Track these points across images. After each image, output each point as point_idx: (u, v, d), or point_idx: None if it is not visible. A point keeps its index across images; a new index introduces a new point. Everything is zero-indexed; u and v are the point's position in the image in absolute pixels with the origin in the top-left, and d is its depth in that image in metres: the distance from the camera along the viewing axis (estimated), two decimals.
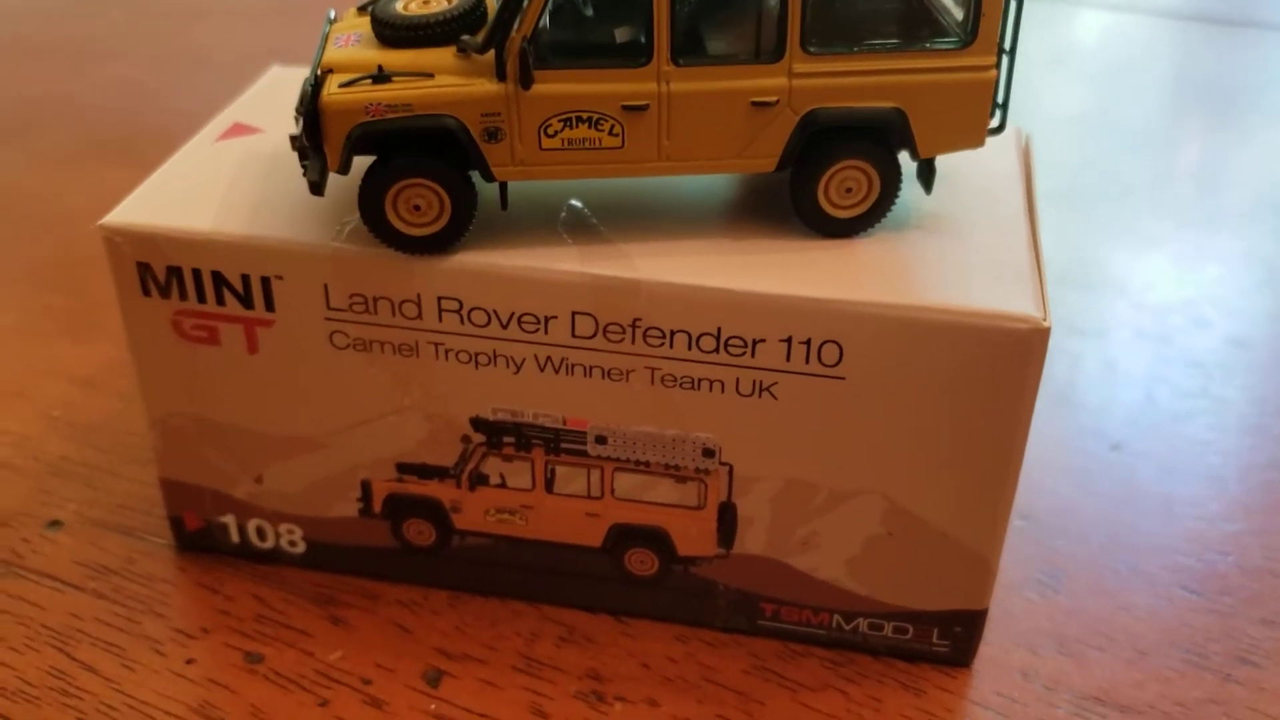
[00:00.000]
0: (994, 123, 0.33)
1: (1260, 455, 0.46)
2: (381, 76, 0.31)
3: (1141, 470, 0.45)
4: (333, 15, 0.35)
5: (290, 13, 0.86)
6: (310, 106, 0.31)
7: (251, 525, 0.39)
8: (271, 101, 0.40)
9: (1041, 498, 0.43)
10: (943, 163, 0.34)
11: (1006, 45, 0.32)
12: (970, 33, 0.31)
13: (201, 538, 0.40)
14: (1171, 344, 0.52)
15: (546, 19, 0.31)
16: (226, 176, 0.36)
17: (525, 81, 0.30)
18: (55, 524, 0.42)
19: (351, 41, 0.32)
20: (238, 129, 0.39)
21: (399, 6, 0.32)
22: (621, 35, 0.31)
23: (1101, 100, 0.76)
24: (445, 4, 0.32)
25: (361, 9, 0.34)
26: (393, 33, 0.32)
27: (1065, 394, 0.49)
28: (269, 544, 0.39)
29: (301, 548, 0.39)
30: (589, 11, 0.31)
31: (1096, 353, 0.51)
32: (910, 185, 0.34)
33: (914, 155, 0.33)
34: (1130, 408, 0.48)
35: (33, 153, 0.67)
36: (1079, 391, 0.49)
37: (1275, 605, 0.39)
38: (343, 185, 0.33)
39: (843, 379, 0.32)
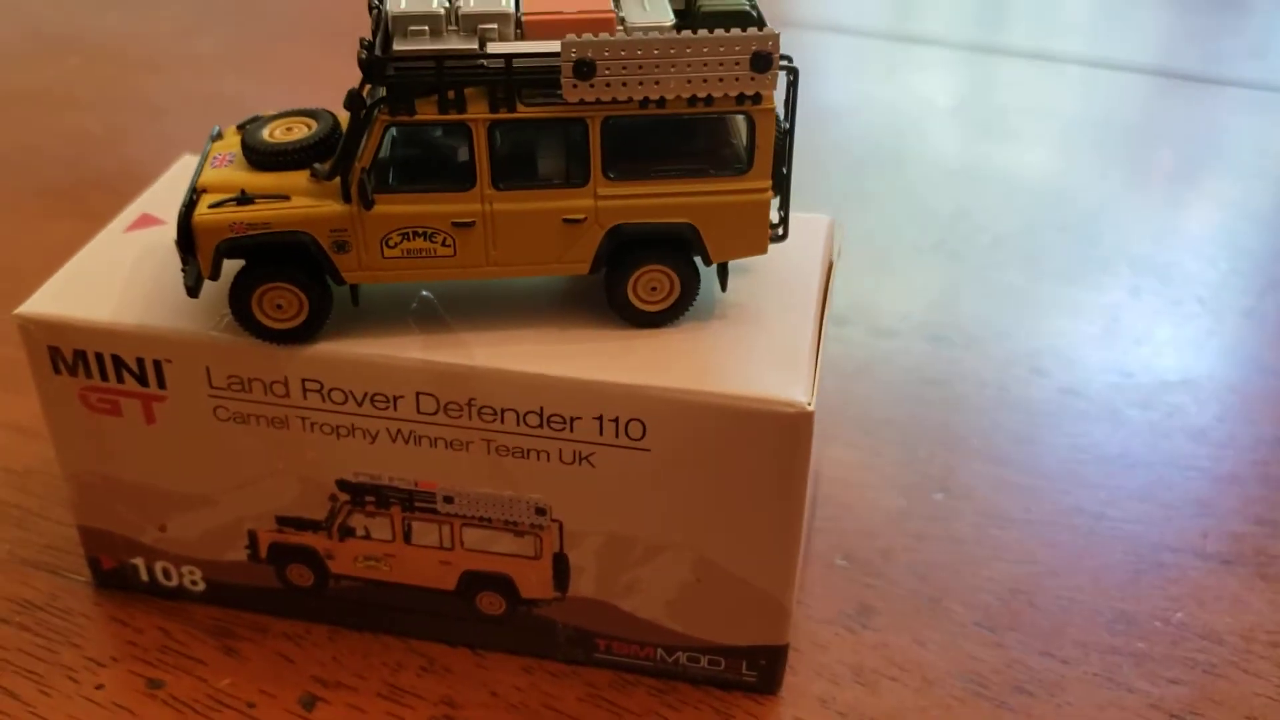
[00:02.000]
0: (778, 231, 0.39)
1: (1067, 500, 0.51)
2: (245, 199, 0.36)
3: (962, 513, 0.50)
4: (217, 131, 0.40)
5: (240, 65, 0.91)
6: (184, 223, 0.36)
7: (158, 566, 0.45)
8: (179, 193, 0.46)
9: (864, 539, 0.49)
10: None
11: (785, 168, 0.38)
12: (748, 162, 0.37)
13: (116, 576, 0.46)
14: (1009, 392, 0.58)
15: (385, 150, 0.36)
16: (128, 267, 0.42)
17: (366, 204, 0.36)
18: None
19: (225, 162, 0.38)
20: (145, 220, 0.45)
21: (265, 133, 0.38)
22: (449, 164, 0.36)
23: (990, 149, 0.82)
24: (305, 129, 0.38)
25: (240, 127, 0.40)
26: (257, 157, 0.37)
27: (905, 441, 0.54)
28: (174, 582, 0.45)
29: (202, 586, 0.45)
30: (421, 144, 0.37)
31: (940, 401, 0.57)
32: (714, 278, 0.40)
33: (707, 261, 0.38)
34: (962, 454, 0.53)
35: None
36: (916, 439, 0.54)
37: (1056, 640, 0.45)
38: (223, 280, 0.39)
39: (648, 450, 0.38)
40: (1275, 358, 0.60)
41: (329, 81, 0.84)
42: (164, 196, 0.46)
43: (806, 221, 0.44)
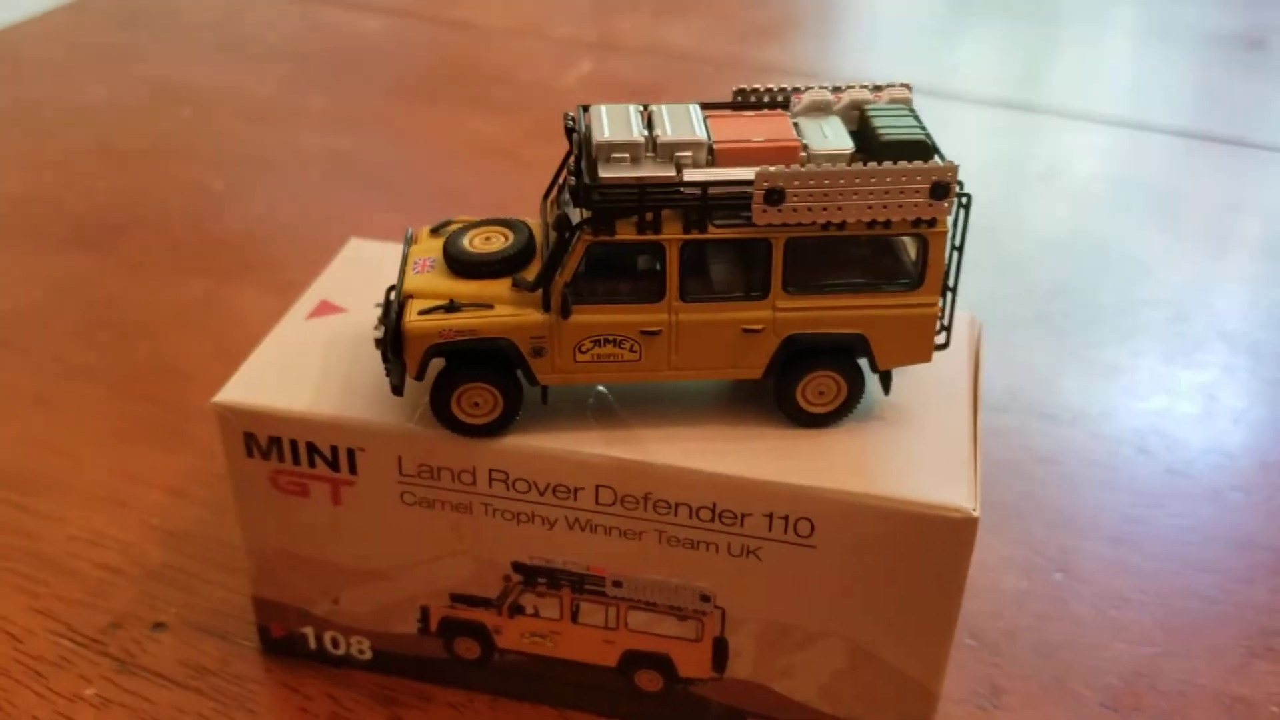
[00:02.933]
0: (940, 340, 0.41)
1: (1178, 582, 0.53)
2: (453, 306, 0.39)
3: (1081, 594, 0.53)
4: (411, 234, 0.43)
5: (342, 116, 0.94)
6: (395, 328, 0.39)
7: (328, 635, 0.47)
8: (352, 278, 0.48)
9: (990, 620, 0.51)
10: None
11: (950, 283, 0.40)
12: (919, 278, 0.39)
13: (285, 644, 0.48)
14: (1118, 472, 0.60)
15: (584, 266, 0.39)
16: (318, 356, 0.44)
17: (565, 314, 0.38)
18: (160, 625, 0.50)
19: (427, 267, 0.41)
20: (325, 307, 0.47)
21: (466, 242, 0.40)
22: (641, 278, 0.39)
23: (1084, 220, 0.84)
24: (503, 240, 0.40)
25: (434, 231, 0.43)
26: (459, 266, 0.40)
27: (1020, 522, 0.56)
28: (341, 651, 0.48)
29: (369, 655, 0.47)
30: (617, 260, 0.39)
31: (1051, 480, 0.59)
32: (875, 381, 0.42)
33: (874, 368, 0.41)
34: (1077, 534, 0.56)
35: (116, 257, 0.75)
36: (1031, 519, 0.56)
37: (1177, 718, 0.47)
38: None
39: (814, 547, 0.40)
40: None
41: (427, 135, 0.88)
42: (338, 282, 0.48)
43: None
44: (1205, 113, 1.00)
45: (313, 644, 0.48)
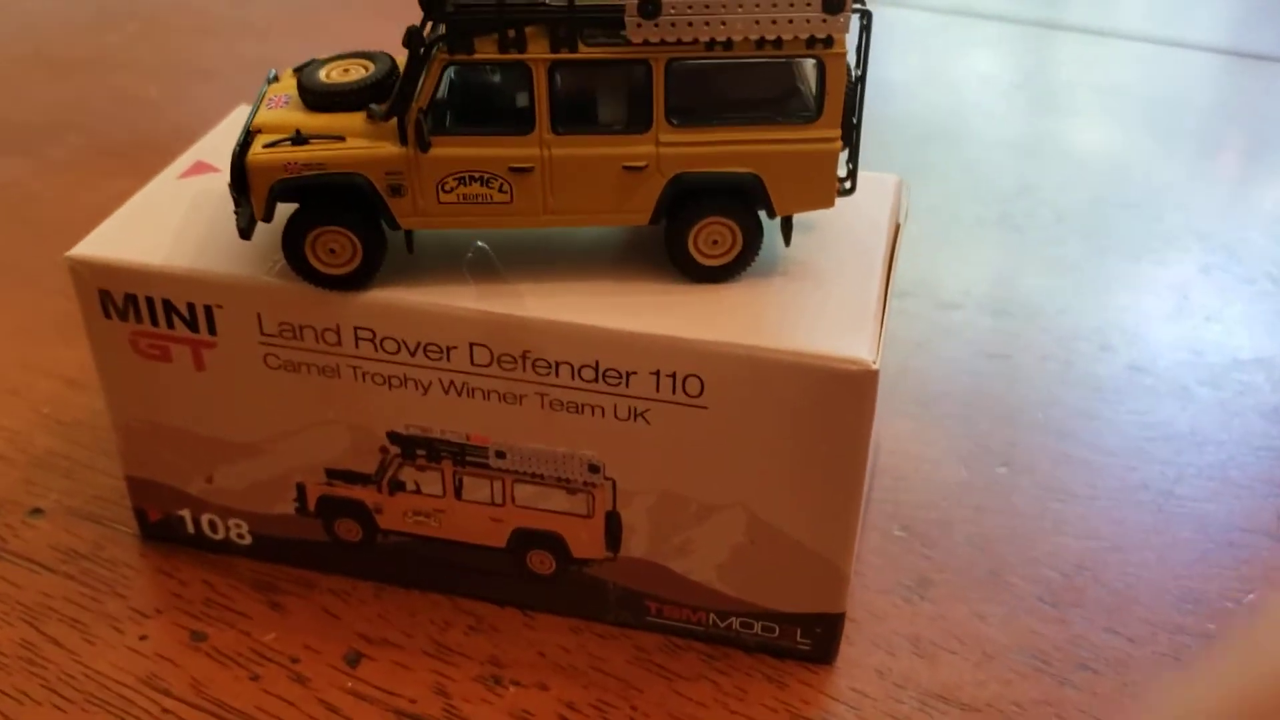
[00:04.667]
0: (845, 185, 0.38)
1: (1133, 477, 0.49)
2: (299, 139, 0.35)
3: (1024, 487, 0.49)
4: (273, 75, 0.40)
5: (291, 30, 0.91)
6: (238, 163, 0.35)
7: (205, 518, 0.44)
8: (233, 141, 0.45)
9: (923, 511, 0.48)
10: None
11: (854, 118, 0.36)
12: (817, 110, 0.36)
13: (162, 528, 0.45)
14: (1073, 368, 0.56)
15: (443, 91, 0.35)
16: (181, 213, 0.41)
17: (422, 146, 0.35)
18: (37, 511, 0.47)
19: (281, 104, 0.37)
20: (199, 167, 0.44)
21: (322, 74, 0.37)
22: (508, 107, 0.35)
23: (1053, 125, 0.80)
24: (363, 71, 0.37)
25: (296, 69, 0.39)
26: (313, 98, 0.36)
27: (965, 414, 0.53)
28: (220, 535, 0.45)
29: (248, 540, 0.44)
30: (479, 86, 0.36)
31: (1001, 375, 0.55)
32: (778, 234, 0.38)
33: (770, 214, 0.37)
34: (1024, 428, 0.52)
35: (45, 161, 0.72)
36: (977, 412, 0.53)
37: (1121, 616, 0.43)
38: (276, 225, 0.38)
39: (705, 408, 0.37)
40: None
41: (380, 45, 0.84)
42: (219, 144, 0.45)
43: (874, 180, 0.42)
44: (1197, 23, 0.95)
45: (190, 528, 0.45)
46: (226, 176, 0.42)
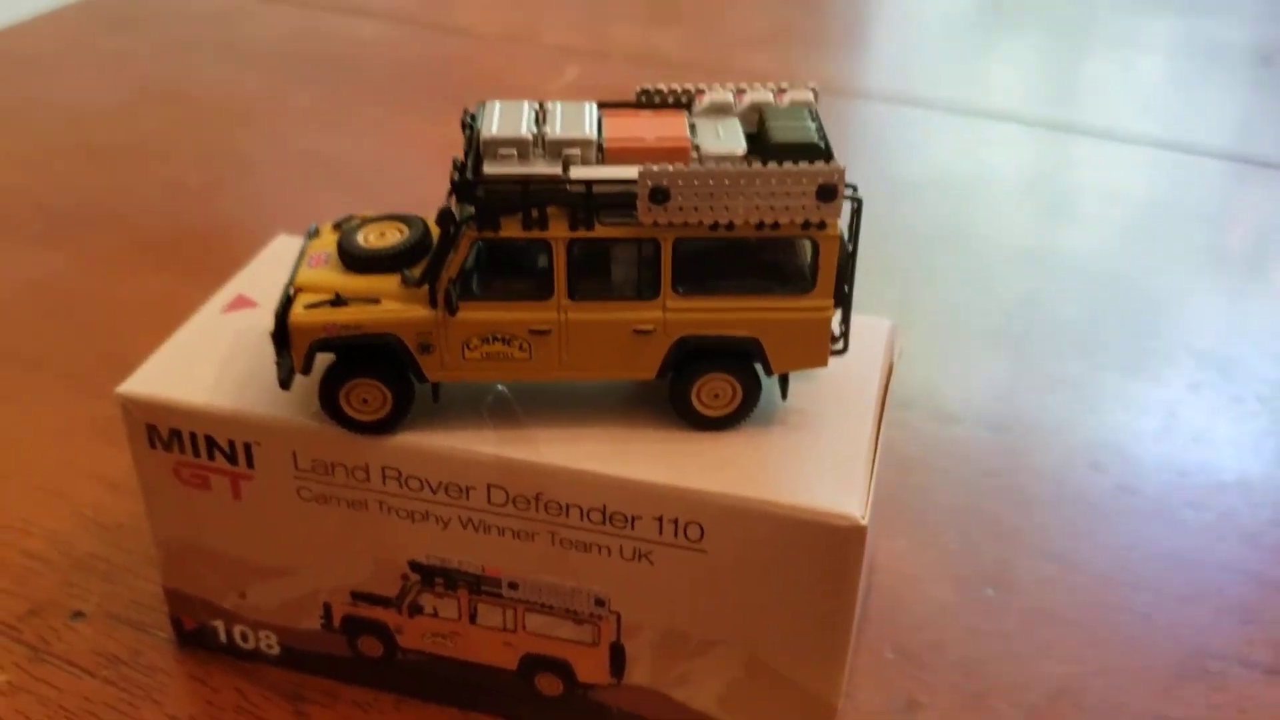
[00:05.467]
0: (837, 347, 0.41)
1: (1115, 598, 0.52)
2: (339, 301, 0.39)
3: (1012, 609, 0.52)
4: (314, 229, 0.43)
5: (328, 122, 0.95)
6: (280, 322, 0.39)
7: (237, 629, 0.47)
8: (273, 274, 0.48)
9: (915, 633, 0.50)
10: None
11: (846, 288, 0.40)
12: (812, 282, 0.39)
13: (196, 636, 0.48)
14: (1065, 487, 0.58)
15: (470, 260, 0.38)
16: (224, 350, 0.44)
17: (451, 310, 0.38)
18: (78, 615, 0.50)
19: (321, 262, 0.40)
20: (240, 301, 0.47)
21: (360, 237, 0.40)
22: (529, 276, 0.39)
23: (1057, 231, 0.82)
24: (398, 235, 0.40)
25: (336, 225, 0.42)
26: (351, 260, 0.40)
27: (959, 533, 0.55)
28: (250, 645, 0.47)
29: (277, 650, 0.47)
30: (503, 256, 0.39)
31: (997, 493, 0.58)
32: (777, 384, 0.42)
33: (768, 372, 0.40)
34: (1015, 548, 0.54)
35: (85, 254, 0.76)
36: (971, 531, 0.55)
37: None
38: (313, 370, 0.41)
39: (705, 552, 0.40)
40: None
41: (411, 139, 0.88)
42: (259, 277, 0.49)
43: (868, 326, 0.45)
44: (1204, 128, 0.98)
45: (223, 637, 0.48)
46: (266, 313, 0.45)
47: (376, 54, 1.08)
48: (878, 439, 0.41)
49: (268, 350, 0.44)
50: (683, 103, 0.42)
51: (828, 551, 0.38)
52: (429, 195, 0.82)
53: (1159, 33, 1.18)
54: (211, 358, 0.44)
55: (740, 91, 0.41)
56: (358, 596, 0.44)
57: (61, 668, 0.48)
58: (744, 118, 0.40)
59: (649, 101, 0.42)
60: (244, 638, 0.47)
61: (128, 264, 0.75)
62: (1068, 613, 0.51)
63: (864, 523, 0.38)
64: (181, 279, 0.72)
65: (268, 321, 0.44)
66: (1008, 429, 0.62)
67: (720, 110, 0.40)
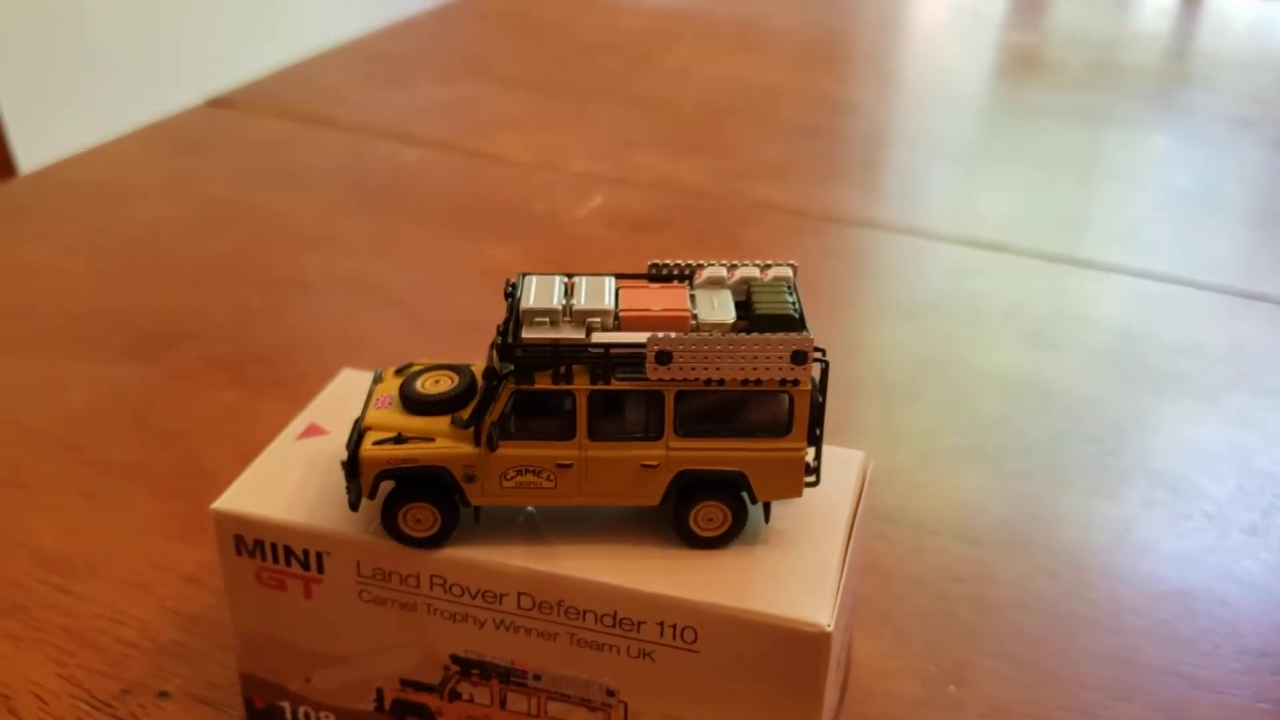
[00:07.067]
0: (811, 480, 0.49)
1: (1063, 697, 0.59)
2: (401, 439, 0.47)
3: (970, 705, 0.59)
4: (379, 374, 0.52)
5: (379, 246, 1.05)
6: (353, 455, 0.47)
7: (301, 710, 0.55)
8: (340, 405, 0.57)
9: None
10: None
11: (818, 430, 0.48)
12: (788, 426, 0.47)
13: (266, 715, 0.56)
14: (1024, 593, 0.66)
15: (508, 408, 0.47)
16: (299, 473, 0.53)
17: (492, 448, 0.47)
18: (164, 694, 0.58)
19: (385, 404, 0.49)
20: (312, 429, 0.56)
21: (418, 384, 0.49)
22: (556, 421, 0.47)
23: (1036, 357, 0.91)
24: (449, 383, 0.49)
25: (398, 371, 0.51)
26: (412, 405, 0.48)
27: (928, 636, 0.63)
28: None
29: None
30: (535, 405, 0.48)
31: (964, 599, 0.66)
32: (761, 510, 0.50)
33: (753, 500, 0.48)
34: (976, 650, 0.62)
35: (162, 368, 0.85)
36: (938, 634, 0.63)
37: None
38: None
39: (698, 652, 0.48)
40: (1267, 575, 0.68)
41: (452, 260, 0.98)
42: (327, 408, 0.57)
43: (843, 457, 0.54)
44: (1181, 259, 1.07)
45: (289, 716, 0.56)
46: (334, 440, 0.54)
47: (419, 178, 1.18)
48: (846, 556, 0.49)
49: (336, 473, 0.52)
50: (685, 275, 0.50)
51: (801, 653, 0.46)
52: (467, 311, 0.91)
53: (1150, 164, 1.27)
54: (289, 479, 0.53)
55: (733, 267, 0.50)
56: (406, 683, 0.53)
57: None
58: (735, 289, 0.49)
59: (658, 274, 0.51)
60: (307, 717, 0.55)
61: (199, 377, 0.84)
62: (1021, 709, 0.59)
63: (829, 629, 0.46)
64: (249, 394, 0.81)
65: (337, 449, 0.53)
66: (976, 541, 0.70)
67: (715, 283, 0.49)
